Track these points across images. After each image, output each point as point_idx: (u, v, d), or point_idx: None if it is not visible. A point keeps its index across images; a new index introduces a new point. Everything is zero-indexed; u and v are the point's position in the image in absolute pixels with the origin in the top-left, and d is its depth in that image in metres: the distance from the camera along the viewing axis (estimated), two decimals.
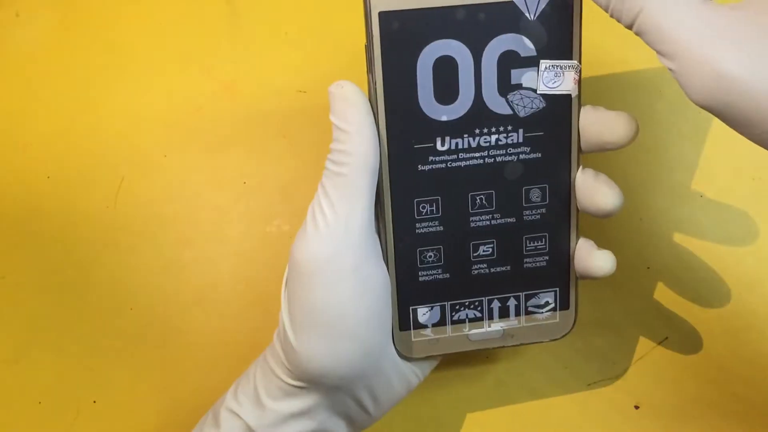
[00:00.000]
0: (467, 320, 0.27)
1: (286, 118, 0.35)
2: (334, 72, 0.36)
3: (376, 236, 0.26)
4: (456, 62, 0.24)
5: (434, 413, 0.34)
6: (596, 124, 0.25)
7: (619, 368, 0.33)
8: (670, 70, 0.20)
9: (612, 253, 0.26)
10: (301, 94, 0.35)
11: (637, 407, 0.33)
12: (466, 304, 0.27)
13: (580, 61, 0.25)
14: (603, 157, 0.34)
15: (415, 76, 0.24)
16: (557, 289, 0.27)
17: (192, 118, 0.35)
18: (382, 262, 0.26)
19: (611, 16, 0.21)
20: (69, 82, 0.36)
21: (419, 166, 0.25)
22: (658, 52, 0.20)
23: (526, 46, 0.24)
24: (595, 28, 0.35)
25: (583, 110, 0.25)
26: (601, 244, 0.33)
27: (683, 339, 0.33)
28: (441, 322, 0.27)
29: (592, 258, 0.26)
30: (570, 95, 0.25)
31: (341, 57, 0.36)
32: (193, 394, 0.34)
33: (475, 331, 0.27)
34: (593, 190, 0.25)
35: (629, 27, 0.21)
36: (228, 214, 0.35)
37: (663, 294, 0.33)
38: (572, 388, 0.33)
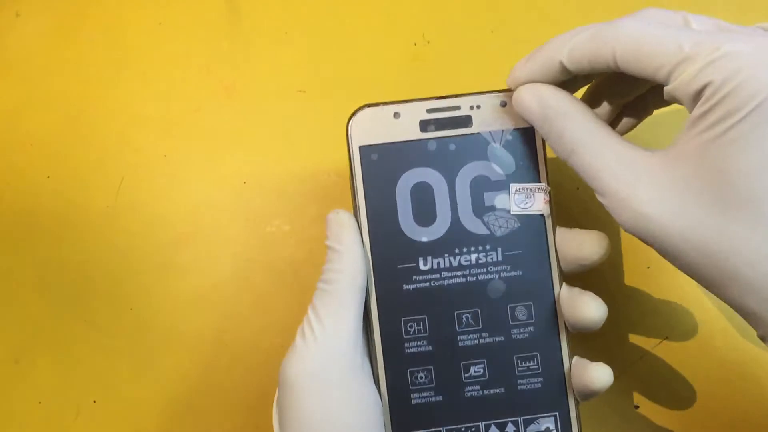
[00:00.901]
0: None
1: (286, 118, 0.35)
2: (334, 72, 0.36)
3: (365, 355, 0.26)
4: (432, 188, 0.26)
5: None
6: (571, 243, 0.26)
7: (619, 368, 0.33)
8: (602, 203, 0.23)
9: (607, 365, 0.26)
10: (301, 94, 0.35)
11: (637, 407, 0.33)
12: (463, 429, 0.26)
13: (548, 183, 0.26)
14: None
15: (395, 201, 0.26)
16: (556, 413, 0.26)
17: (192, 118, 0.35)
18: (372, 381, 0.26)
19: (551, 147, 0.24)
20: (69, 82, 0.36)
21: (404, 286, 0.26)
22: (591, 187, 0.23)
23: (495, 171, 0.26)
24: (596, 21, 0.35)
25: (558, 231, 0.26)
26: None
27: (683, 339, 0.33)
28: None
29: (588, 371, 0.26)
30: (542, 215, 0.26)
31: (341, 57, 0.36)
32: (193, 394, 0.34)
33: None
34: (577, 304, 0.26)
35: (565, 161, 0.23)
36: (228, 214, 0.35)
37: (663, 294, 0.33)
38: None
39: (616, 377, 0.33)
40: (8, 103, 0.36)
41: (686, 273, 0.22)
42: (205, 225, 0.35)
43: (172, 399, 0.34)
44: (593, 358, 0.32)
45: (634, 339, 0.33)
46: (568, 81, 0.24)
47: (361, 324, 0.26)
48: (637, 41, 0.21)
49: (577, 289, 0.26)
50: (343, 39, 0.36)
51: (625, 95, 0.27)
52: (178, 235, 0.35)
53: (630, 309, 0.33)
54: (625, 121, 0.29)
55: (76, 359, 0.35)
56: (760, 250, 0.20)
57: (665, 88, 0.21)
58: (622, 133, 0.29)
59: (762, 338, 0.22)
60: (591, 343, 0.33)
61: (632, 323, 0.33)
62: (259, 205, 0.35)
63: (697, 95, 0.20)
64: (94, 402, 0.34)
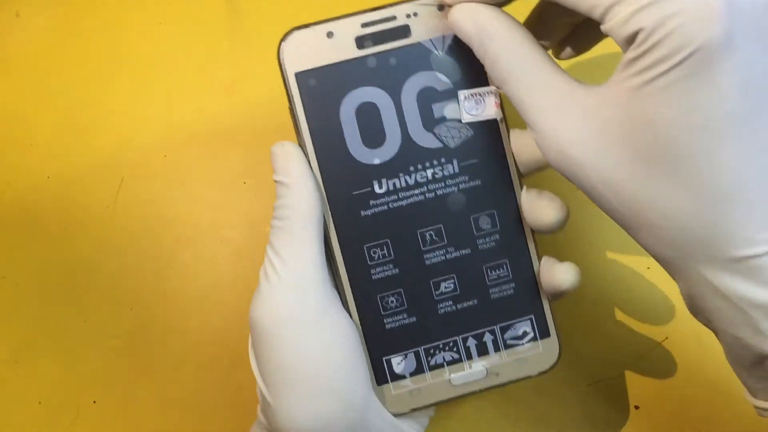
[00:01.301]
0: (446, 363, 0.26)
1: (286, 118, 0.35)
2: None
3: (332, 286, 0.25)
4: (377, 107, 0.25)
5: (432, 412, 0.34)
6: (527, 146, 0.25)
7: (619, 368, 0.33)
8: (534, 138, 0.22)
9: (574, 264, 0.25)
10: None
11: (637, 407, 0.33)
12: (440, 346, 0.26)
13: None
14: None
15: (341, 126, 0.25)
16: (531, 316, 0.26)
17: (192, 118, 0.35)
18: (344, 310, 0.25)
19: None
20: (69, 82, 0.36)
21: (362, 212, 0.25)
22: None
23: (441, 80, 0.25)
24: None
25: (512, 133, 0.25)
26: (601, 245, 0.34)
27: (683, 339, 0.33)
28: (418, 370, 0.26)
29: (554, 272, 0.25)
30: (495, 120, 0.25)
31: None
32: (193, 394, 0.34)
33: (457, 374, 0.26)
34: (537, 207, 0.25)
35: (499, 88, 0.23)
36: (228, 214, 0.35)
37: (663, 294, 0.33)
38: (572, 388, 0.33)
39: (616, 377, 0.33)
40: (8, 103, 0.36)
41: (608, 215, 0.22)
42: (205, 225, 0.35)
43: (173, 399, 0.34)
44: (593, 357, 0.32)
45: (634, 339, 0.33)
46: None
47: (324, 256, 0.25)
48: None
49: (535, 191, 0.25)
50: None
51: (567, 23, 0.26)
52: (178, 235, 0.35)
53: (630, 309, 0.33)
54: (570, 48, 0.28)
55: (76, 359, 0.35)
56: (676, 204, 0.20)
57: (601, 27, 0.20)
58: (568, 57, 0.28)
59: (684, 295, 0.22)
60: (591, 341, 0.33)
61: (632, 323, 0.33)
62: (259, 205, 0.35)
63: (630, 39, 0.19)
64: (94, 402, 0.34)
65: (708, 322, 0.22)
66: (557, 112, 0.21)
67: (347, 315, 0.25)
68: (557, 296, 0.26)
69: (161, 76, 0.36)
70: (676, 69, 0.18)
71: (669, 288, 0.33)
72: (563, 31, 0.27)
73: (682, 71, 0.18)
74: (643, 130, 0.19)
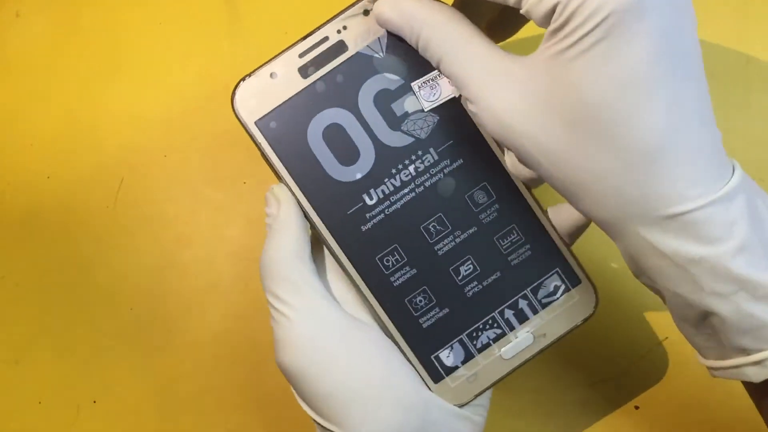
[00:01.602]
0: (492, 341, 0.26)
1: None
2: None
3: (341, 308, 0.26)
4: (341, 125, 0.25)
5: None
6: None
7: (619, 368, 0.33)
8: (470, 111, 0.23)
9: None
10: None
11: (637, 407, 0.33)
12: (481, 326, 0.26)
13: None
14: None
15: (314, 155, 0.25)
16: (557, 269, 0.26)
17: (192, 118, 0.35)
18: (364, 325, 0.26)
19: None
20: (69, 82, 0.36)
21: (362, 227, 0.26)
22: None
23: (391, 79, 0.25)
24: None
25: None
26: (601, 246, 0.34)
27: (683, 339, 0.33)
28: (468, 356, 0.26)
29: (565, 211, 0.25)
30: (454, 97, 0.25)
31: None
32: (193, 394, 0.34)
33: (506, 347, 0.26)
34: (520, 165, 0.25)
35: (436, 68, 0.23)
36: (228, 214, 0.35)
37: None
38: (572, 388, 0.33)
39: (616, 377, 0.33)
40: (8, 103, 0.36)
41: (550, 185, 0.22)
42: (205, 225, 0.35)
43: (173, 399, 0.34)
44: (593, 357, 0.32)
45: (634, 339, 0.33)
46: None
47: (324, 287, 0.25)
48: None
49: None
50: None
51: (492, 7, 0.27)
52: (178, 235, 0.35)
53: (630, 309, 0.33)
54: (502, 30, 0.28)
55: (76, 359, 0.35)
56: (606, 166, 0.20)
57: (521, 11, 0.21)
58: (501, 40, 0.28)
59: (626, 257, 0.22)
60: (591, 341, 0.33)
61: (632, 323, 0.33)
62: (259, 205, 0.35)
63: (549, 15, 0.20)
64: (94, 402, 0.34)
65: (651, 283, 0.23)
66: (491, 84, 0.22)
67: (370, 327, 0.26)
68: (575, 236, 0.26)
69: (161, 76, 0.36)
70: (591, 35, 0.19)
71: None
72: (491, 14, 0.27)
73: (596, 36, 0.19)
74: (567, 96, 0.20)
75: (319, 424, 0.25)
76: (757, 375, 0.21)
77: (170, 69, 0.36)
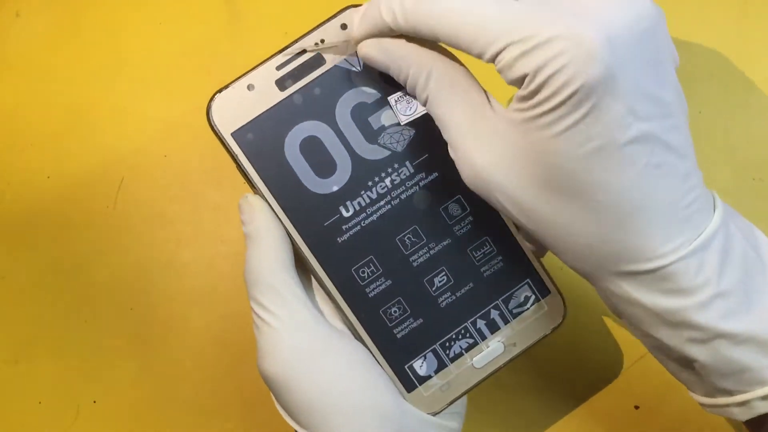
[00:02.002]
0: (464, 351, 0.27)
1: None
2: None
3: (324, 319, 0.26)
4: (318, 138, 0.26)
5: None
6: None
7: (619, 368, 0.33)
8: (451, 154, 0.23)
9: None
10: None
11: (637, 407, 0.33)
12: (453, 336, 0.27)
13: None
14: None
15: (291, 167, 0.26)
16: (527, 280, 0.27)
17: (192, 118, 0.35)
18: (344, 335, 0.26)
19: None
20: (69, 82, 0.36)
21: (338, 239, 0.26)
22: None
23: (368, 93, 0.26)
24: None
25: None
26: None
27: None
28: (441, 365, 0.27)
29: None
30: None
31: None
32: (193, 394, 0.34)
33: (478, 357, 0.27)
34: None
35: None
36: (228, 214, 0.35)
37: None
38: (573, 388, 0.33)
39: (616, 377, 0.33)
40: (8, 103, 0.36)
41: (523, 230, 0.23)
42: (205, 225, 0.35)
43: (172, 399, 0.34)
44: (593, 357, 0.32)
45: (634, 339, 0.33)
46: None
47: (304, 293, 0.25)
48: (455, 28, 0.21)
49: None
50: None
51: None
52: (178, 235, 0.35)
53: None
54: None
55: (76, 359, 0.35)
56: (580, 226, 0.21)
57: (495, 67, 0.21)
58: None
59: (604, 301, 0.23)
60: (591, 341, 0.33)
61: None
62: None
63: (519, 81, 0.20)
64: (94, 402, 0.34)
65: (631, 327, 0.23)
66: (471, 135, 0.22)
67: (350, 337, 0.26)
68: (543, 249, 0.26)
69: (161, 76, 0.36)
70: (563, 107, 0.19)
71: None
72: None
73: (567, 109, 0.19)
74: (542, 159, 0.21)
75: None
76: (742, 414, 0.22)
77: (170, 69, 0.36)
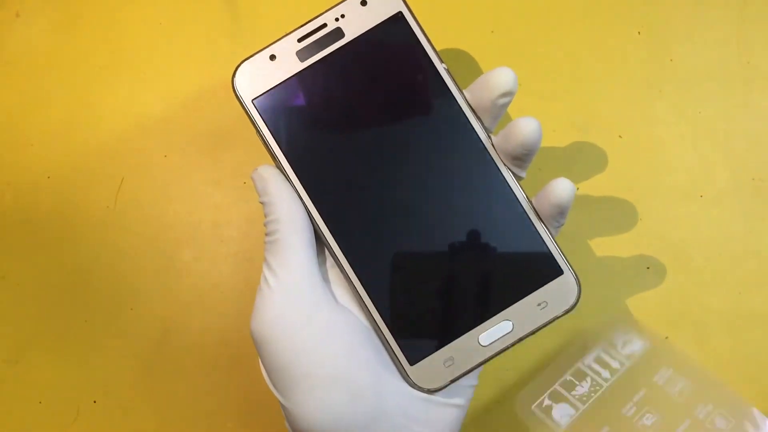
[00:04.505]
0: (471, 327, 0.26)
1: None
2: None
3: (326, 287, 0.26)
4: (334, 106, 0.27)
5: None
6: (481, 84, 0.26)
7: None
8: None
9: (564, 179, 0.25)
10: None
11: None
12: (460, 312, 0.26)
13: (441, 60, 0.27)
14: (602, 158, 0.34)
15: (306, 133, 0.27)
16: (541, 259, 0.26)
17: (192, 118, 0.35)
18: (341, 306, 0.26)
19: None
20: (69, 82, 0.36)
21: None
22: None
23: (385, 63, 0.27)
24: (595, 24, 0.35)
25: (467, 91, 0.27)
26: (601, 245, 0.34)
27: (683, 339, 0.33)
28: (447, 340, 0.26)
29: (551, 188, 0.25)
30: (450, 91, 0.27)
31: None
32: (193, 394, 0.34)
33: (484, 334, 0.26)
34: (511, 131, 0.25)
35: None
36: (228, 214, 0.35)
37: (663, 294, 0.33)
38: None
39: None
40: (8, 103, 0.36)
41: None
42: (205, 225, 0.35)
43: (173, 399, 0.34)
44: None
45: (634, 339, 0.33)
46: None
47: (315, 262, 0.26)
48: None
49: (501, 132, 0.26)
50: None
51: None
52: (178, 235, 0.35)
53: (630, 309, 0.33)
54: None
55: (76, 359, 0.35)
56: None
57: None
58: None
59: None
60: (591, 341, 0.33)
61: (632, 323, 0.33)
62: (259, 205, 0.35)
63: None
64: (94, 402, 0.34)
65: None
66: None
67: (345, 310, 0.26)
68: (558, 220, 0.26)
69: (161, 76, 0.36)
70: None
71: (669, 288, 0.33)
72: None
73: None
74: None
75: (277, 397, 0.26)
76: None
77: (170, 69, 0.36)
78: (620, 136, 0.34)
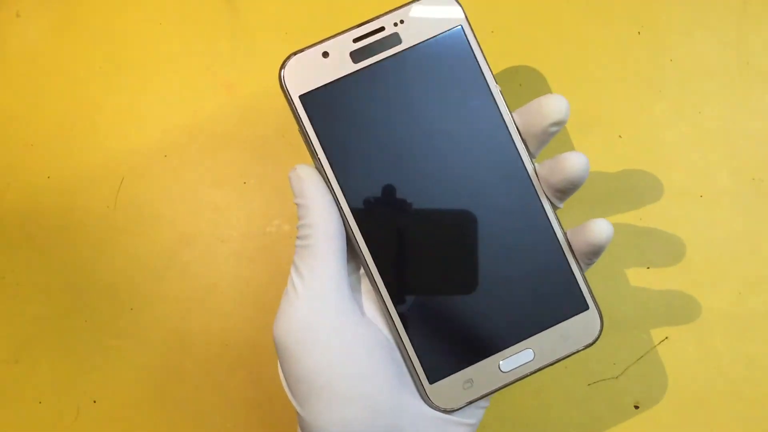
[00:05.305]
0: (493, 352, 0.26)
1: (286, 118, 0.35)
2: None
3: (353, 299, 0.26)
4: (383, 114, 0.26)
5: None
6: (532, 110, 0.26)
7: (619, 368, 0.33)
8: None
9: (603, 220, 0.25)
10: None
11: (637, 407, 0.33)
12: (485, 336, 0.26)
13: (495, 79, 0.26)
14: (602, 158, 0.34)
15: (351, 137, 0.26)
16: (569, 292, 0.26)
17: (192, 118, 0.35)
18: (367, 319, 0.26)
19: None
20: (69, 82, 0.36)
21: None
22: None
23: (438, 77, 0.26)
24: (595, 24, 0.35)
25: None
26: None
27: (683, 339, 0.33)
28: (468, 363, 0.26)
29: (587, 230, 0.25)
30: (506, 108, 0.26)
31: None
32: (193, 394, 0.34)
33: (505, 360, 0.26)
34: (558, 164, 0.25)
35: None
36: (228, 214, 0.35)
37: (663, 294, 0.33)
38: (572, 388, 0.33)
39: (616, 377, 0.33)
40: (9, 103, 0.36)
41: None
42: (205, 225, 0.35)
43: (173, 399, 0.34)
44: (593, 357, 0.32)
45: (634, 339, 0.33)
46: None
47: (345, 271, 0.26)
48: None
49: (546, 161, 0.26)
50: None
51: None
52: (178, 235, 0.35)
53: (630, 309, 0.33)
54: None
55: (76, 359, 0.35)
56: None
57: None
58: None
59: None
60: None
61: (632, 323, 0.33)
62: (259, 205, 0.35)
63: None
64: (94, 402, 0.34)
65: None
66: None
67: (371, 325, 0.26)
68: (591, 259, 0.26)
69: (161, 76, 0.36)
70: None
71: (669, 288, 0.33)
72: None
73: None
74: None
75: (294, 406, 0.25)
76: None
77: (170, 69, 0.36)
78: (620, 136, 0.34)
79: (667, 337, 0.33)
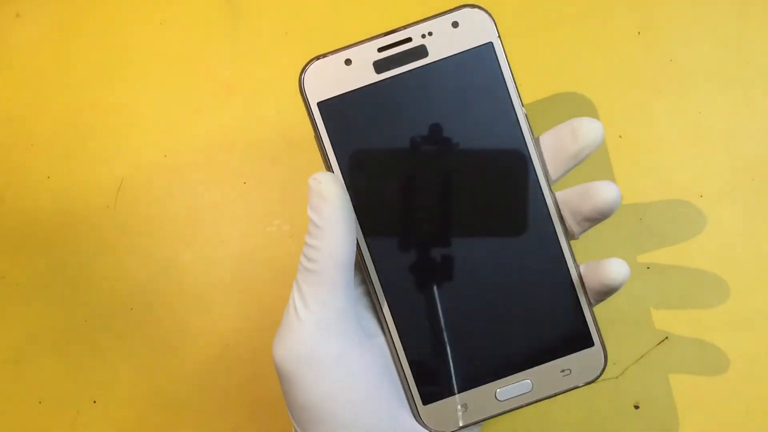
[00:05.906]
0: (491, 380, 0.26)
1: (286, 118, 0.35)
2: None
3: (357, 323, 0.25)
4: (403, 127, 0.25)
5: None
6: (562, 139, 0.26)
7: (619, 368, 0.33)
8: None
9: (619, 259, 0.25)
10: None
11: (637, 407, 0.33)
12: (484, 363, 0.26)
13: (521, 100, 0.25)
14: (602, 159, 0.34)
15: (368, 150, 0.25)
16: (575, 327, 0.26)
17: (192, 118, 0.35)
18: (368, 344, 0.25)
19: None
20: (69, 82, 0.36)
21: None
22: None
23: (463, 94, 0.25)
24: (595, 24, 0.35)
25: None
26: (601, 244, 0.34)
27: (683, 339, 0.33)
28: (464, 387, 0.26)
29: (602, 269, 0.24)
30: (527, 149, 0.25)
31: None
32: (194, 394, 0.34)
33: (503, 389, 0.26)
34: (590, 192, 0.24)
35: None
36: (228, 214, 0.35)
37: (663, 294, 0.33)
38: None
39: (616, 377, 0.33)
40: (9, 103, 0.36)
41: None
42: (205, 225, 0.35)
43: (173, 399, 0.34)
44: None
45: (634, 339, 0.33)
46: None
47: (351, 299, 0.25)
48: None
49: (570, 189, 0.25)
50: (343, 39, 0.36)
51: None
52: (178, 235, 0.35)
53: (630, 309, 0.33)
54: None
55: (76, 359, 0.35)
56: None
57: None
58: None
59: None
60: None
61: (632, 323, 0.33)
62: (259, 205, 0.35)
63: None
64: (94, 402, 0.34)
65: None
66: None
67: (372, 350, 0.26)
68: (601, 297, 0.25)
69: (161, 76, 0.36)
70: None
71: (669, 288, 0.33)
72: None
73: None
74: None
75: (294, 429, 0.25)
76: None
77: (170, 69, 0.36)
78: (620, 136, 0.34)
79: (667, 337, 0.33)
